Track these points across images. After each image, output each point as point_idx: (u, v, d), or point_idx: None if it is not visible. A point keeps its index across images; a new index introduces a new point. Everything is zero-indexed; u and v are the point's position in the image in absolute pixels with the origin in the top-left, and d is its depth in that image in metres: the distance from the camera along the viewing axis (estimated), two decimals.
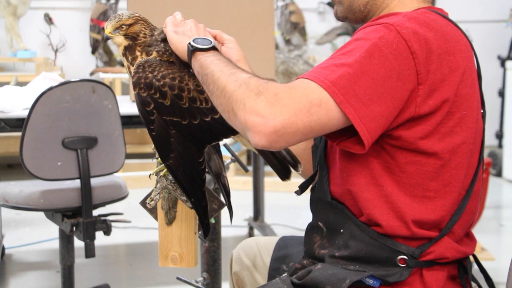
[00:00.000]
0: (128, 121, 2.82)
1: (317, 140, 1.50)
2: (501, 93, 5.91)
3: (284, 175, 1.42)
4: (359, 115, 1.20)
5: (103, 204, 2.69)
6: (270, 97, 1.15)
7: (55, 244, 2.89)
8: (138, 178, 4.85)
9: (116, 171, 2.68)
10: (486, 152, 6.17)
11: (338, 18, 1.48)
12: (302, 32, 6.31)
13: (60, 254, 2.71)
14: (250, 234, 4.01)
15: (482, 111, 1.41)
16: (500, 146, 6.09)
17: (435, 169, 1.31)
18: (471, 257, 1.46)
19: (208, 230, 1.47)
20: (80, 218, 2.58)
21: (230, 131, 1.37)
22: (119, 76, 5.63)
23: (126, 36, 1.41)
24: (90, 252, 2.58)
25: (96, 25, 5.92)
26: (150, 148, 2.47)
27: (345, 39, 6.26)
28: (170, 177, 1.47)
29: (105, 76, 5.61)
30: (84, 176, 2.54)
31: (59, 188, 2.60)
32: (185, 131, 1.35)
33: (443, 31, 1.31)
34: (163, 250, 1.59)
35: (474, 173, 1.37)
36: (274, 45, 3.60)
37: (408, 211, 1.31)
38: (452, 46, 1.31)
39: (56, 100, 2.50)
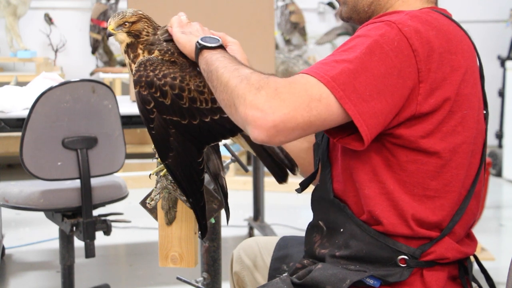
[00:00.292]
0: (128, 121, 2.82)
1: (319, 138, 1.50)
2: (501, 93, 5.91)
3: (281, 178, 1.42)
4: (359, 111, 1.20)
5: (103, 204, 2.69)
6: (270, 92, 1.15)
7: (55, 244, 2.89)
8: (138, 178, 4.85)
9: (116, 171, 2.68)
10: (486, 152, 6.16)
11: (343, 18, 1.48)
12: (302, 32, 6.31)
13: (60, 254, 2.71)
14: (250, 234, 4.01)
15: (484, 112, 1.40)
16: (500, 146, 6.09)
17: (435, 169, 1.30)
18: (471, 257, 1.46)
19: (206, 230, 1.47)
20: (80, 218, 2.58)
21: (229, 132, 1.38)
22: (119, 76, 5.63)
23: (128, 33, 1.41)
24: (90, 252, 2.58)
25: (96, 25, 5.92)
26: (150, 148, 2.47)
27: (345, 39, 6.24)
28: (170, 177, 1.47)
29: (105, 76, 5.61)
30: (84, 176, 2.54)
31: (59, 188, 2.60)
32: (184, 131, 1.35)
33: (445, 30, 1.31)
34: (163, 250, 1.59)
35: (475, 174, 1.37)
36: (274, 45, 3.60)
37: (409, 209, 1.31)
38: (454, 45, 1.30)
39: (56, 100, 2.50)
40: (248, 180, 4.77)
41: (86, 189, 2.55)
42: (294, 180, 1.54)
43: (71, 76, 4.65)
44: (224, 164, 1.56)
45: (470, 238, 1.44)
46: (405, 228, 1.32)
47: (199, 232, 1.52)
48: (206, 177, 1.46)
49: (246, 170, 2.21)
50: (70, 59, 6.22)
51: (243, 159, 5.28)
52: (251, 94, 1.16)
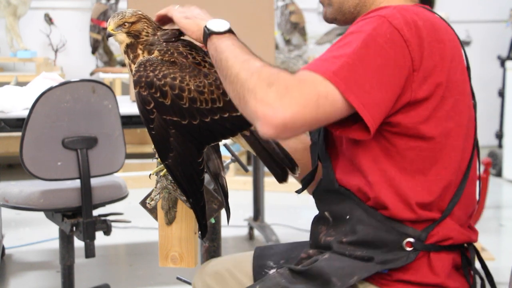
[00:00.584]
0: (128, 121, 2.82)
1: (315, 137, 1.50)
2: (501, 93, 5.91)
3: (282, 178, 1.42)
4: (362, 103, 1.23)
5: (103, 204, 2.69)
6: (280, 89, 1.17)
7: (55, 244, 2.89)
8: (138, 178, 4.85)
9: (116, 171, 2.68)
10: (486, 152, 6.17)
11: (327, 19, 1.51)
12: (302, 32, 6.31)
13: (60, 254, 2.71)
14: (250, 234, 4.01)
15: (473, 101, 1.45)
16: (500, 146, 6.09)
17: (433, 154, 1.34)
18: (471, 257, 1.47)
19: (206, 230, 1.47)
20: (80, 218, 2.58)
21: (229, 132, 1.38)
22: (119, 76, 5.63)
23: (128, 34, 1.41)
24: (90, 252, 2.58)
25: (96, 25, 5.92)
26: (150, 148, 2.47)
27: None
28: (170, 177, 1.47)
29: (105, 76, 5.61)
30: (84, 176, 2.54)
31: (59, 188, 2.60)
32: (184, 131, 1.35)
33: (431, 21, 1.36)
34: (163, 250, 1.59)
35: (469, 158, 1.40)
36: (274, 45, 3.60)
37: (411, 194, 1.34)
38: (441, 35, 1.35)
39: (56, 100, 2.50)
40: (248, 180, 4.77)
41: (86, 189, 2.55)
42: (294, 180, 1.54)
43: (71, 76, 4.65)
44: (224, 164, 1.56)
45: (472, 229, 1.46)
46: (409, 212, 1.34)
47: (199, 232, 1.52)
48: (206, 177, 1.46)
49: (246, 170, 2.21)
50: (70, 59, 6.22)
51: (243, 159, 5.28)
52: (262, 90, 1.18)
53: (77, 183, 2.57)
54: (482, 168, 3.43)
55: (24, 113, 2.55)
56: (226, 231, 3.12)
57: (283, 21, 6.24)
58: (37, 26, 6.07)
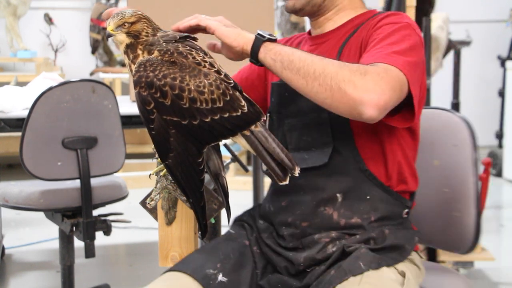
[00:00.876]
0: (128, 121, 2.82)
1: (322, 117, 1.57)
2: (501, 93, 5.91)
3: (281, 178, 1.42)
4: (415, 94, 1.43)
5: (103, 204, 2.69)
6: (375, 77, 1.34)
7: (55, 244, 2.89)
8: (138, 178, 4.86)
9: (116, 171, 2.68)
10: (486, 152, 6.17)
11: (294, 10, 1.64)
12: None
13: (60, 254, 2.72)
14: None
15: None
16: (500, 146, 6.09)
17: (417, 132, 1.61)
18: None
19: (206, 231, 1.47)
20: (80, 218, 2.58)
21: (229, 132, 1.38)
22: (119, 76, 5.63)
23: (128, 34, 1.40)
24: (90, 252, 2.58)
25: (96, 25, 5.92)
26: (150, 148, 2.47)
27: None
28: (170, 177, 1.47)
29: (105, 76, 5.62)
30: (84, 176, 2.54)
31: (59, 188, 2.60)
32: (184, 131, 1.35)
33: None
34: (163, 250, 1.59)
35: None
36: None
37: (415, 169, 1.62)
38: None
39: (56, 100, 2.50)
40: (248, 180, 4.77)
41: (86, 189, 2.55)
42: None
43: (71, 76, 4.65)
44: (224, 164, 1.56)
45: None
46: (415, 185, 1.62)
47: (199, 232, 1.52)
48: (206, 177, 1.46)
49: (246, 170, 2.21)
50: (70, 59, 6.23)
51: (243, 159, 5.28)
52: (360, 79, 1.33)
53: (77, 183, 2.57)
54: (482, 168, 3.43)
55: (24, 113, 2.55)
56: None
57: (283, 21, 6.24)
58: (37, 26, 6.07)
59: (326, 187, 1.55)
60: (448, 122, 1.77)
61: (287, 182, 1.42)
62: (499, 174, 5.82)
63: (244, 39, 1.43)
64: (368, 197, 1.55)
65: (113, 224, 2.66)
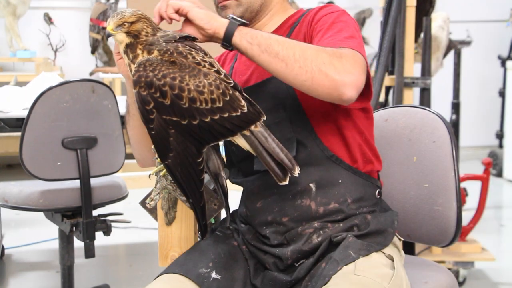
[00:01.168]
0: None
1: (278, 117, 1.56)
2: (502, 93, 5.91)
3: (281, 178, 1.42)
4: (370, 75, 1.49)
5: (103, 204, 2.69)
6: (350, 60, 1.39)
7: (55, 244, 2.89)
8: (138, 178, 4.85)
9: (116, 171, 2.68)
10: (486, 152, 6.17)
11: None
12: None
13: (60, 254, 2.71)
14: None
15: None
16: (501, 146, 6.09)
17: (370, 110, 1.65)
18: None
19: (206, 231, 1.47)
20: (80, 218, 2.58)
21: (229, 132, 1.38)
22: (119, 76, 5.63)
23: (128, 33, 1.40)
24: (90, 252, 2.58)
25: (96, 25, 5.92)
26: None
27: None
28: (170, 177, 1.47)
29: (104, 76, 5.62)
30: (84, 176, 2.54)
31: (59, 188, 2.60)
32: (184, 131, 1.35)
33: None
34: (163, 250, 1.59)
35: None
36: None
37: (376, 150, 1.64)
38: None
39: (56, 100, 2.49)
40: None
41: (86, 189, 2.55)
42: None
43: (71, 76, 4.66)
44: (223, 165, 1.56)
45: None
46: (379, 165, 1.64)
47: (199, 232, 1.52)
48: (206, 177, 1.46)
49: None
50: (69, 59, 6.23)
51: None
52: (338, 62, 1.37)
53: (77, 183, 2.56)
54: (482, 168, 3.43)
55: (23, 113, 2.54)
56: None
57: None
58: (37, 25, 6.07)
59: (298, 180, 1.54)
60: (425, 119, 1.80)
61: (287, 182, 1.42)
62: (499, 174, 5.82)
63: (217, 23, 1.43)
64: (340, 181, 1.56)
65: (113, 224, 2.66)
